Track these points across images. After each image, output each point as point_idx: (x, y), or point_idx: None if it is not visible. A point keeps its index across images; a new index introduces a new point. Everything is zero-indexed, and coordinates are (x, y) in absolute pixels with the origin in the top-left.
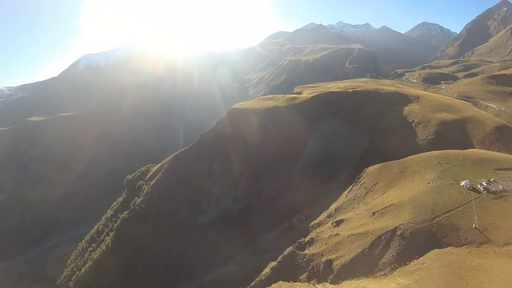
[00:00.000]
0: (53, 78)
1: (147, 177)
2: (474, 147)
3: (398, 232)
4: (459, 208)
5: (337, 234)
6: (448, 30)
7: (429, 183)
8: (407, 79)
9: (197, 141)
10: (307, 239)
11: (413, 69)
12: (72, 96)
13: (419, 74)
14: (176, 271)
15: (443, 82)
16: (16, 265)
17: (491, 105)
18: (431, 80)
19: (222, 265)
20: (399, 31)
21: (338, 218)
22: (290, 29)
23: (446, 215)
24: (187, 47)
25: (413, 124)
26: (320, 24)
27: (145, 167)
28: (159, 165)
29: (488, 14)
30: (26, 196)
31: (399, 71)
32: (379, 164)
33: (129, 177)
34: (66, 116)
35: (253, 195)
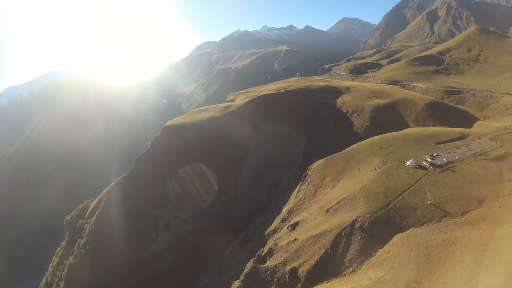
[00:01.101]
0: None
1: (87, 214)
2: (409, 127)
3: (357, 225)
4: (410, 188)
5: (296, 239)
6: (367, 22)
7: (375, 169)
8: (335, 72)
9: (133, 167)
10: (266, 249)
11: (339, 63)
12: None
13: (346, 67)
14: None
15: (369, 71)
16: None
17: (418, 85)
18: (358, 71)
19: None
20: (321, 29)
21: (292, 221)
22: (217, 38)
23: (400, 197)
24: (114, 70)
25: (348, 114)
26: (246, 30)
27: (84, 204)
28: (97, 199)
29: (404, 3)
30: None
31: (326, 66)
32: (323, 159)
33: (68, 217)
34: None
35: (202, 213)
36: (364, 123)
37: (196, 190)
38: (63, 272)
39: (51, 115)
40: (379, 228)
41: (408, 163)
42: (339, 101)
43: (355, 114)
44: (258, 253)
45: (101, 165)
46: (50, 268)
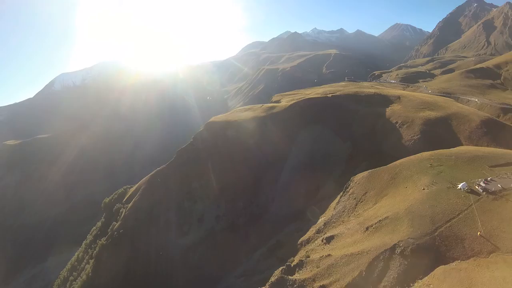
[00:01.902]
0: (29, 99)
1: (125, 199)
2: (462, 144)
3: (398, 250)
4: (460, 215)
5: (329, 255)
6: (420, 29)
7: (424, 189)
8: (385, 80)
9: (174, 159)
10: (296, 260)
11: (390, 70)
12: (48, 117)
13: (397, 74)
14: None
15: (421, 80)
16: None
17: (472, 99)
18: (409, 79)
19: None
20: (373, 34)
21: (328, 234)
22: (266, 38)
23: (448, 224)
24: (164, 62)
25: (397, 125)
26: (295, 32)
27: (122, 189)
28: (136, 186)
29: (459, 11)
30: (4, 224)
31: (376, 72)
32: (367, 172)
33: (106, 200)
34: (43, 138)
35: (236, 212)
36: (414, 136)
37: (233, 188)
38: (94, 251)
39: (101, 103)
40: (422, 256)
41: (460, 186)
42: (388, 110)
43: (404, 126)
44: (287, 262)
45: (144, 153)
46: (83, 245)
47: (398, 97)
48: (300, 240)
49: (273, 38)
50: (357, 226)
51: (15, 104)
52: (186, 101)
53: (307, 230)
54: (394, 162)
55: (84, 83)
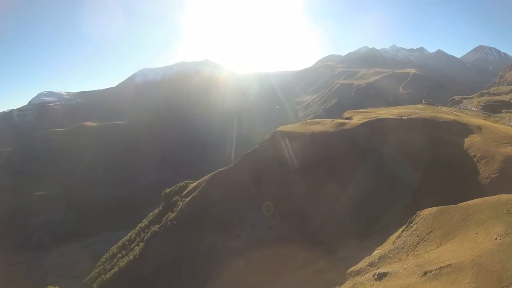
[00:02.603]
0: (111, 88)
1: (184, 193)
2: None
3: None
4: None
5: None
6: (505, 54)
7: (496, 238)
8: (466, 106)
9: (237, 163)
10: None
11: (471, 96)
12: (126, 106)
13: (478, 102)
14: None
15: (504, 110)
16: (50, 258)
17: None
18: (491, 109)
19: None
20: (454, 55)
21: (381, 270)
22: (342, 52)
23: None
24: (241, 67)
25: (475, 159)
26: (373, 48)
27: (184, 183)
28: (196, 182)
29: None
30: (71, 195)
31: (456, 97)
32: (436, 208)
33: (167, 190)
34: (119, 124)
35: (290, 226)
36: (492, 174)
37: (290, 201)
38: (146, 236)
39: (177, 99)
40: None
41: None
42: (467, 141)
43: (483, 161)
44: None
45: (210, 152)
46: (137, 227)
47: (479, 128)
48: (350, 269)
49: (350, 52)
50: (415, 268)
51: (98, 91)
52: (259, 107)
53: (360, 260)
54: (468, 202)
55: (164, 80)
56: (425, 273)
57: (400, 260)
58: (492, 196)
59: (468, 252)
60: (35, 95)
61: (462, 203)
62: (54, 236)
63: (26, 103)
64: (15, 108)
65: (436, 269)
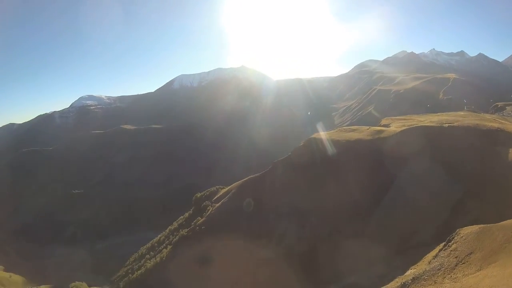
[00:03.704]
0: (150, 93)
1: (214, 198)
2: None
3: None
4: None
5: None
6: None
7: None
8: (510, 113)
9: (268, 170)
10: None
11: None
12: (164, 111)
13: None
14: None
15: None
16: (81, 254)
17: None
18: None
19: None
20: (496, 58)
21: None
22: (380, 57)
23: None
24: (277, 73)
25: None
26: (412, 52)
27: (215, 188)
28: (227, 188)
29: None
30: (106, 195)
31: (499, 104)
32: (478, 226)
33: (198, 195)
34: (156, 128)
35: (320, 238)
36: None
37: (322, 211)
38: (174, 239)
39: (212, 105)
40: None
41: None
42: (511, 152)
43: None
44: None
45: (243, 157)
46: (167, 230)
47: None
48: None
49: (388, 57)
50: None
51: (137, 95)
52: (293, 114)
53: (392, 279)
54: None
55: (201, 85)
56: None
57: (435, 283)
58: None
59: (511, 279)
60: (77, 99)
61: (507, 222)
62: (86, 233)
63: (68, 106)
64: (57, 110)
65: None
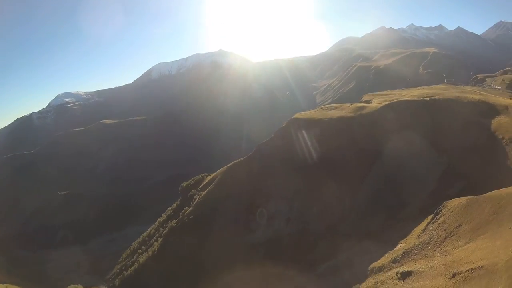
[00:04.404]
0: (128, 84)
1: (200, 186)
2: None
3: None
4: None
5: None
6: None
7: None
8: (489, 85)
9: (252, 153)
10: None
11: (494, 74)
12: (144, 101)
13: (502, 80)
14: None
15: None
16: (74, 254)
17: None
18: None
19: None
20: (475, 32)
21: (405, 268)
22: (359, 34)
23: None
24: (256, 55)
25: (504, 142)
26: (391, 27)
27: (200, 176)
28: (212, 175)
29: None
30: (92, 193)
31: (479, 76)
32: (465, 198)
33: (184, 184)
34: (137, 120)
35: (309, 218)
36: None
37: (309, 191)
38: (164, 231)
39: (192, 92)
40: None
41: None
42: (494, 123)
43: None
44: None
45: (227, 143)
46: (157, 222)
47: (506, 108)
48: (371, 266)
49: (367, 34)
50: (442, 267)
51: (116, 88)
52: (274, 95)
53: (382, 255)
54: (499, 191)
55: (180, 73)
56: (454, 275)
57: (425, 257)
58: None
59: (502, 252)
60: (54, 97)
61: (494, 193)
62: (78, 234)
63: (46, 106)
64: (35, 111)
65: (466, 271)
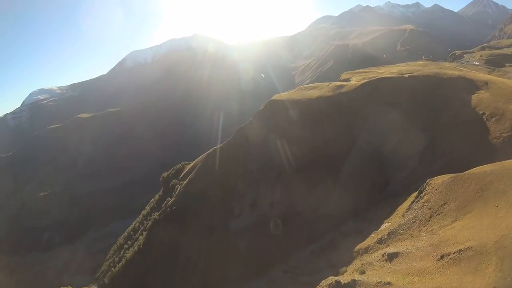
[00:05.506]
0: (102, 76)
1: (181, 175)
2: None
3: None
4: None
5: (389, 283)
6: (504, 7)
7: None
8: (468, 61)
9: (232, 138)
10: (348, 275)
11: (472, 50)
12: (120, 92)
13: (480, 56)
14: (203, 281)
15: (508, 64)
16: (62, 255)
17: None
18: (495, 62)
19: (251, 280)
20: (452, 9)
21: (391, 249)
22: (336, 12)
23: None
24: (233, 37)
25: (484, 117)
26: (367, 5)
27: (180, 165)
28: (193, 163)
29: None
30: (74, 190)
31: (457, 52)
32: (449, 176)
33: (165, 174)
34: (114, 111)
35: (292, 201)
36: (504, 133)
37: (291, 174)
38: (148, 224)
39: (169, 79)
40: None
41: None
42: (474, 98)
43: (493, 119)
44: (337, 278)
45: (208, 129)
46: (141, 215)
47: (486, 83)
48: (357, 247)
49: (344, 12)
50: (429, 248)
51: (90, 80)
52: (254, 78)
53: (368, 235)
54: (483, 168)
55: (155, 60)
56: (442, 257)
57: (411, 236)
58: (509, 161)
59: (490, 231)
60: (27, 95)
61: (478, 169)
62: (64, 234)
63: (19, 105)
64: (9, 112)
65: (454, 252)
